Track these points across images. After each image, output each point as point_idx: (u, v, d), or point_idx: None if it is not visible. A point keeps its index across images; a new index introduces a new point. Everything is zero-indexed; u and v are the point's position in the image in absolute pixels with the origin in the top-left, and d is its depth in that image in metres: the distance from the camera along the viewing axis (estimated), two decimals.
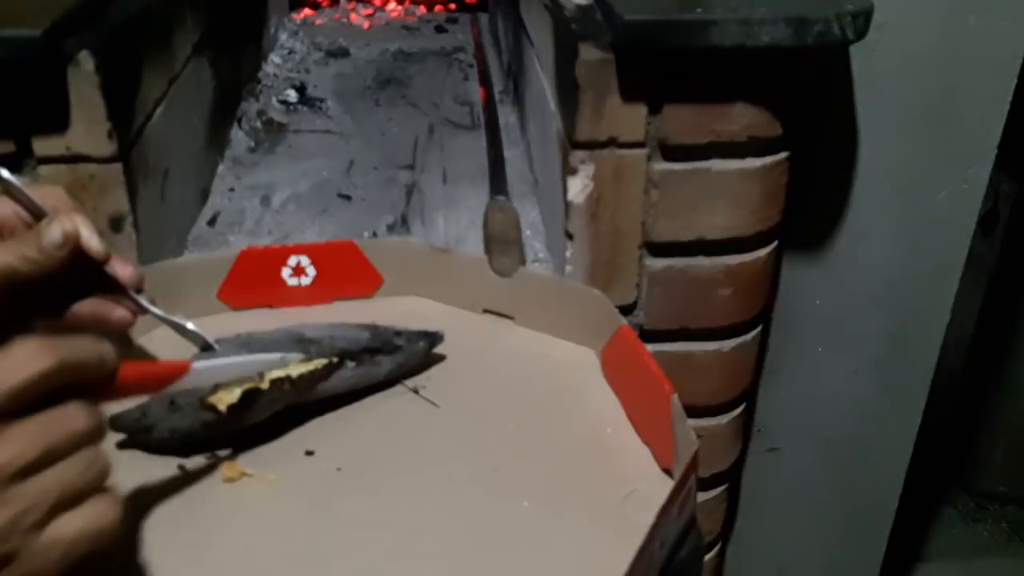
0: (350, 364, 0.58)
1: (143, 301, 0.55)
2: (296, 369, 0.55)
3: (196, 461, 0.54)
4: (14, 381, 0.37)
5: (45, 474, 0.37)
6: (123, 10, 0.70)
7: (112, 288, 0.54)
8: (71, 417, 0.38)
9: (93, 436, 0.39)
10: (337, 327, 0.61)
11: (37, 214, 0.54)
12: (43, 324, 0.39)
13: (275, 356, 0.54)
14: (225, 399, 0.52)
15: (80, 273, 0.53)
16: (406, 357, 0.61)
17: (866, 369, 1.00)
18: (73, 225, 0.50)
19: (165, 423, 0.54)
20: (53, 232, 0.50)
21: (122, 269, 0.53)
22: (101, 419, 0.40)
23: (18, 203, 0.54)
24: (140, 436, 0.55)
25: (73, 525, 0.38)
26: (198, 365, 0.47)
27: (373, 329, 0.61)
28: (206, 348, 0.58)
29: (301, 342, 0.57)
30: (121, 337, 0.61)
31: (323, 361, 0.56)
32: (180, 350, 0.58)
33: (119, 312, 0.53)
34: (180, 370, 0.46)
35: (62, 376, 0.38)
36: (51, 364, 0.37)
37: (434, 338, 0.63)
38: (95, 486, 0.39)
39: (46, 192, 0.54)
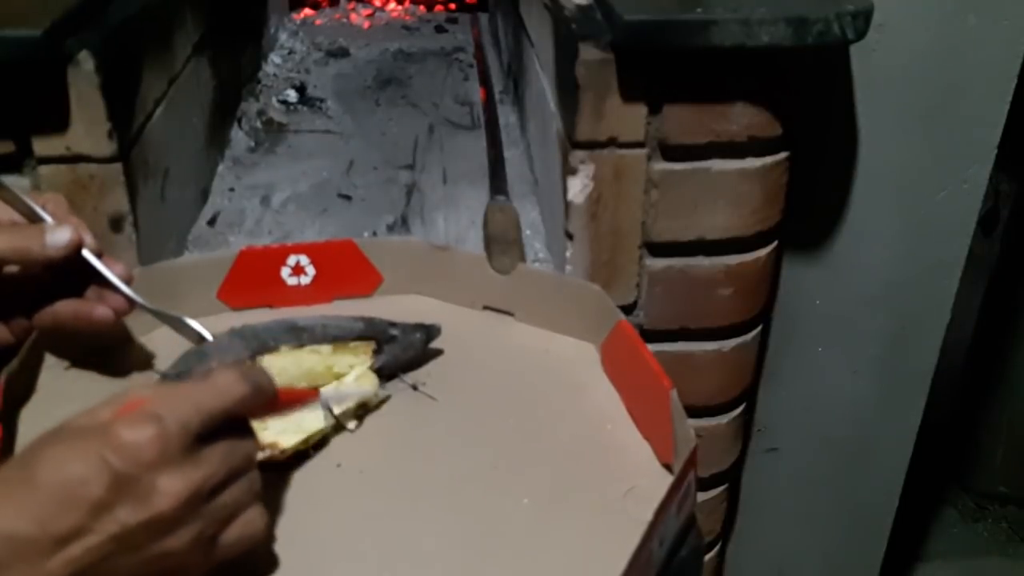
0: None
1: (137, 297, 0.55)
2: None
3: None
4: (221, 406, 0.42)
5: (225, 493, 0.42)
6: (123, 10, 0.70)
7: (103, 286, 0.55)
8: (246, 441, 0.44)
9: (255, 457, 0.45)
10: (330, 317, 0.61)
11: (34, 220, 0.54)
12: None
13: (375, 391, 0.58)
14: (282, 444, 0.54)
15: (63, 273, 0.54)
16: (402, 348, 0.61)
17: (866, 369, 1.00)
18: (79, 236, 0.52)
19: None
20: (60, 235, 0.52)
21: (113, 267, 0.55)
22: (258, 440, 0.46)
23: (16, 209, 0.54)
24: None
25: (234, 534, 0.43)
26: (325, 391, 0.55)
27: (368, 320, 0.61)
28: (200, 341, 0.59)
29: (294, 330, 0.58)
30: (121, 336, 0.62)
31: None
32: (178, 349, 0.59)
33: (100, 310, 0.55)
34: (310, 396, 0.53)
35: (251, 401, 0.44)
36: (248, 391, 0.43)
37: (431, 331, 0.63)
38: (253, 500, 0.44)
39: (46, 198, 0.55)
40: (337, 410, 0.56)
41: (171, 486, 0.39)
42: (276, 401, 0.47)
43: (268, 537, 0.47)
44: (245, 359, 0.55)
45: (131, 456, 0.39)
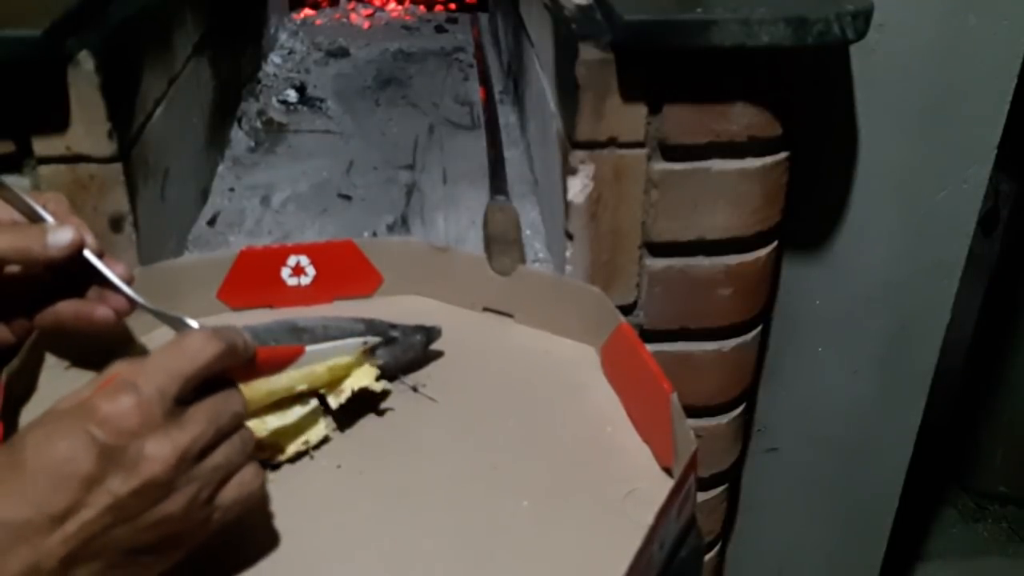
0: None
1: (137, 297, 0.55)
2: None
3: None
4: (194, 367, 0.42)
5: (216, 452, 0.43)
6: (123, 10, 0.70)
7: (104, 286, 0.55)
8: (231, 400, 0.44)
9: (245, 415, 0.45)
10: (331, 318, 0.61)
11: (35, 220, 0.54)
12: None
13: (359, 340, 0.57)
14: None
15: (64, 273, 0.54)
16: (403, 350, 0.61)
17: (866, 369, 1.00)
18: (80, 236, 0.52)
19: None
20: (62, 235, 0.52)
21: (114, 267, 0.55)
22: (245, 399, 0.46)
23: (17, 209, 0.54)
24: None
25: (231, 494, 0.43)
26: (310, 348, 0.53)
27: (368, 322, 0.61)
28: None
29: (295, 331, 0.58)
30: (121, 336, 0.62)
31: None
32: None
33: (101, 311, 0.55)
34: (297, 352, 0.52)
35: (227, 359, 0.44)
36: (220, 348, 0.43)
37: (431, 333, 0.63)
38: (247, 459, 0.45)
39: (47, 198, 0.55)
40: (334, 403, 0.56)
41: (158, 450, 0.40)
42: (255, 360, 0.47)
43: (264, 495, 0.47)
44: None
45: (114, 427, 0.39)
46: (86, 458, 0.38)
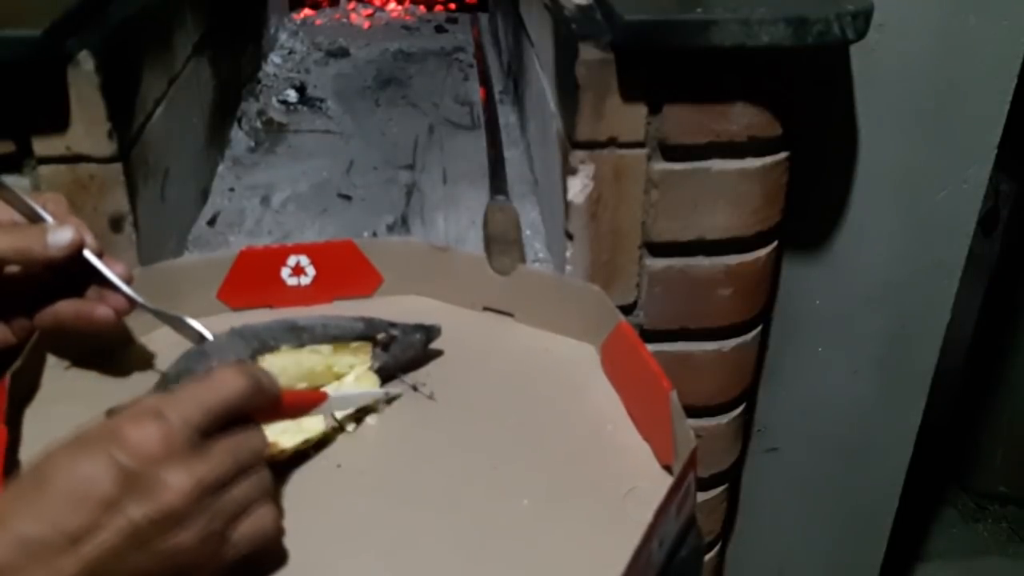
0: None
1: (137, 297, 0.55)
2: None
3: None
4: (221, 401, 0.43)
5: (234, 488, 0.43)
6: (123, 10, 0.70)
7: (103, 286, 0.55)
8: (253, 437, 0.45)
9: (264, 454, 0.46)
10: (330, 316, 0.61)
11: (35, 220, 0.54)
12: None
13: (383, 392, 0.59)
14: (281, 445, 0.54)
15: (64, 273, 0.54)
16: (403, 349, 0.61)
17: (866, 369, 1.00)
18: (80, 236, 0.52)
19: None
20: (62, 235, 0.52)
21: (114, 267, 0.55)
22: (266, 439, 0.46)
23: (16, 209, 0.54)
24: None
25: (246, 530, 0.44)
26: (334, 394, 0.54)
27: (368, 320, 0.61)
28: (200, 340, 0.59)
29: (294, 330, 0.58)
30: (122, 336, 0.62)
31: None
32: (179, 349, 0.58)
33: (101, 310, 0.56)
34: (320, 398, 0.53)
35: (252, 397, 0.44)
36: (248, 386, 0.44)
37: (431, 331, 0.63)
38: (264, 497, 0.45)
39: (46, 198, 0.55)
40: (340, 415, 0.56)
41: (177, 480, 0.40)
42: (280, 402, 0.48)
43: (280, 535, 0.47)
44: (246, 358, 0.55)
45: (137, 452, 0.39)
46: (106, 480, 0.39)
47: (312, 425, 0.54)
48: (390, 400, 0.59)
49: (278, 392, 0.47)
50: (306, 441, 0.54)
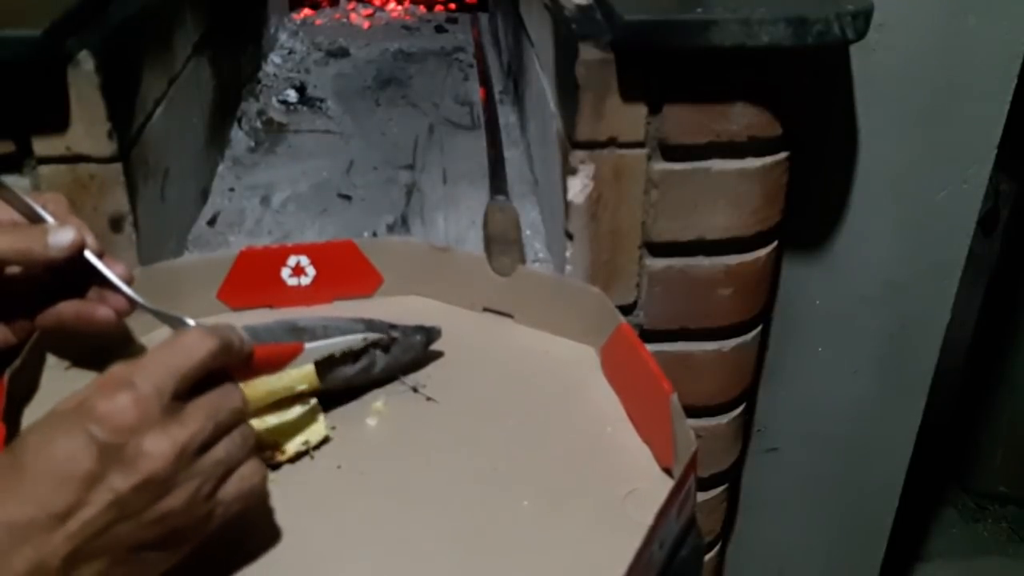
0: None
1: (137, 297, 0.55)
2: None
3: None
4: (190, 363, 0.42)
5: (216, 448, 0.43)
6: (123, 10, 0.70)
7: (104, 286, 0.55)
8: (230, 396, 0.45)
9: (245, 411, 0.46)
10: (331, 318, 0.61)
11: (35, 220, 0.54)
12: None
13: (359, 336, 0.58)
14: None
15: (64, 274, 0.54)
16: (403, 350, 0.61)
17: (866, 369, 1.00)
18: (81, 236, 0.52)
19: None
20: (63, 235, 0.52)
21: (114, 267, 0.55)
22: (245, 396, 0.46)
23: (16, 209, 0.54)
24: None
25: (232, 489, 0.44)
26: (309, 346, 0.53)
27: (368, 322, 0.61)
28: None
29: (295, 331, 0.58)
30: (122, 336, 0.62)
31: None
32: None
33: (102, 311, 0.56)
34: (296, 350, 0.52)
35: (222, 356, 0.44)
36: (216, 345, 0.43)
37: (431, 333, 0.63)
38: (248, 454, 0.45)
39: (46, 198, 0.55)
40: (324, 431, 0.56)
41: (157, 446, 0.40)
42: (254, 358, 0.48)
43: (265, 491, 0.47)
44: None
45: (112, 424, 0.39)
46: (86, 456, 0.39)
47: (314, 434, 0.55)
48: (366, 345, 0.58)
49: (250, 348, 0.47)
50: (306, 442, 0.54)
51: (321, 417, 0.55)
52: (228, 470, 0.44)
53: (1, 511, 0.38)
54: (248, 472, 0.45)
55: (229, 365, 0.46)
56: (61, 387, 0.59)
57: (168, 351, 0.43)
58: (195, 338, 0.44)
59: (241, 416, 0.45)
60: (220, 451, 0.43)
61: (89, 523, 0.39)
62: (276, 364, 0.51)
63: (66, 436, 0.39)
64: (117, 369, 0.42)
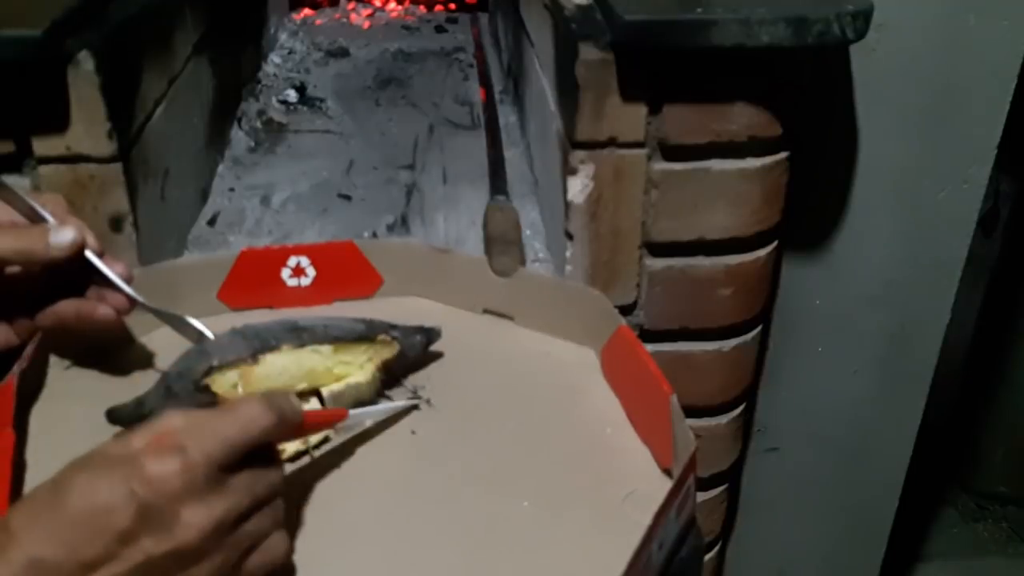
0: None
1: (138, 296, 0.55)
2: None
3: None
4: (245, 438, 0.42)
5: (249, 522, 0.43)
6: (123, 10, 0.70)
7: (103, 285, 0.55)
8: (272, 472, 0.45)
9: (280, 487, 0.45)
10: (331, 317, 0.61)
11: (35, 220, 0.54)
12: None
13: (399, 404, 0.59)
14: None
15: (64, 273, 0.54)
16: (403, 351, 0.61)
17: (866, 369, 1.00)
18: (82, 236, 0.52)
19: (163, 410, 0.54)
20: (64, 235, 0.52)
21: (113, 266, 0.55)
22: (283, 473, 0.46)
23: (16, 209, 0.54)
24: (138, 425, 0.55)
25: (257, 560, 0.44)
26: (354, 412, 0.54)
27: (368, 321, 0.61)
28: (200, 339, 0.59)
29: (295, 330, 0.58)
30: (122, 336, 0.62)
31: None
32: (179, 348, 0.58)
33: (103, 310, 0.56)
34: (340, 416, 0.53)
35: (277, 431, 0.44)
36: (273, 422, 0.43)
37: (431, 334, 0.63)
38: (276, 527, 0.45)
39: (45, 198, 0.55)
40: (327, 393, 0.56)
41: (196, 518, 0.40)
42: (302, 427, 0.47)
43: (289, 563, 0.47)
44: (246, 358, 0.55)
45: (157, 487, 0.39)
46: (125, 513, 0.38)
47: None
48: (408, 411, 0.59)
49: (300, 419, 0.47)
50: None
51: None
52: (256, 543, 0.44)
53: (32, 546, 0.38)
54: (273, 544, 0.45)
55: (279, 438, 0.46)
56: (62, 387, 0.59)
57: (227, 420, 0.43)
58: (255, 412, 0.43)
59: (277, 492, 0.45)
60: (252, 525, 0.43)
61: None
62: (319, 429, 0.53)
63: (109, 488, 0.39)
64: (175, 426, 0.42)
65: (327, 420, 0.53)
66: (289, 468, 0.54)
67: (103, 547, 0.38)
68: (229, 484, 0.42)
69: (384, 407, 0.58)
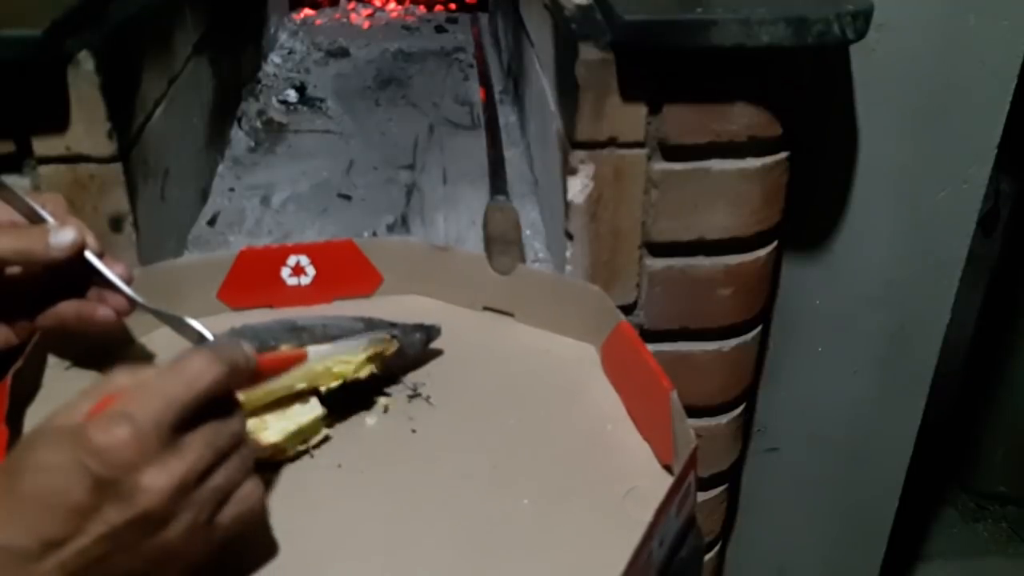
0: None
1: (137, 297, 0.55)
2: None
3: None
4: (193, 393, 0.41)
5: (215, 475, 0.42)
6: (123, 10, 0.70)
7: (103, 286, 0.55)
8: (231, 419, 0.43)
9: (244, 433, 0.44)
10: (331, 317, 0.61)
11: (34, 220, 0.54)
12: None
13: (362, 340, 0.57)
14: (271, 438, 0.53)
15: (64, 274, 0.54)
16: (402, 349, 0.61)
17: (866, 369, 1.00)
18: (82, 237, 0.52)
19: None
20: (64, 236, 0.52)
21: (113, 267, 0.55)
22: (245, 418, 0.45)
23: (16, 209, 0.54)
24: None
25: (231, 512, 0.43)
26: (312, 351, 0.53)
27: (368, 320, 0.61)
28: (200, 340, 0.59)
29: (294, 330, 0.58)
30: (122, 336, 0.62)
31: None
32: (178, 348, 0.58)
33: (103, 311, 0.56)
34: (299, 358, 0.52)
35: (227, 381, 0.43)
36: (222, 372, 0.42)
37: (431, 331, 0.63)
38: (246, 475, 0.44)
39: (45, 199, 0.55)
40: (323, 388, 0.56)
41: (154, 482, 0.39)
42: (258, 372, 0.46)
43: (264, 509, 0.46)
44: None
45: (108, 458, 0.38)
46: (79, 489, 0.38)
47: (315, 429, 0.55)
48: (375, 345, 0.57)
49: (255, 364, 0.45)
50: (306, 442, 0.54)
51: (321, 416, 0.55)
52: (227, 495, 0.43)
53: None
54: (246, 493, 0.43)
55: (234, 387, 0.45)
56: (62, 387, 0.59)
57: (171, 378, 0.41)
58: (201, 364, 0.42)
59: (240, 439, 0.44)
60: (219, 478, 0.42)
61: (83, 552, 0.38)
62: (279, 372, 0.51)
63: (59, 465, 0.38)
64: (120, 385, 0.41)
65: (285, 363, 0.51)
66: (289, 468, 0.54)
67: (64, 524, 0.38)
68: (185, 442, 0.40)
69: (342, 343, 0.56)
